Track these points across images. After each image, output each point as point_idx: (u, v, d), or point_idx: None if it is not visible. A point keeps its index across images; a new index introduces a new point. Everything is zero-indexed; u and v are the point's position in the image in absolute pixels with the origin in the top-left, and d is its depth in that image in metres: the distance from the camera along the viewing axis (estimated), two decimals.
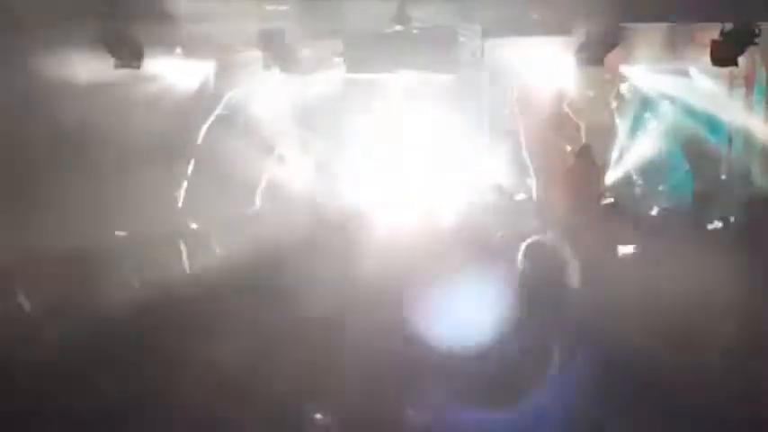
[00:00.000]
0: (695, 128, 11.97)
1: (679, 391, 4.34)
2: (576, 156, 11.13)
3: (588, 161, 10.98)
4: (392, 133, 12.31)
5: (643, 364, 4.43)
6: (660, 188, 10.90)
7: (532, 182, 10.80)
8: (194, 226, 6.73)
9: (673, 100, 11.90)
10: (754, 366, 4.46)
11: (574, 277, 5.24)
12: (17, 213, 7.72)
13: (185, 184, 11.90)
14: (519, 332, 4.55)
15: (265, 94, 12.17)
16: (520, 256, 5.21)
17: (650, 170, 12.06)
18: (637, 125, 12.19)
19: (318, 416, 3.80)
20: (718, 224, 6.42)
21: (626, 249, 6.22)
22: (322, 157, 12.06)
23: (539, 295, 4.93)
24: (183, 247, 6.09)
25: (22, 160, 8.49)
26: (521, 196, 8.16)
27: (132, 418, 4.20)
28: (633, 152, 11.99)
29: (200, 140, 12.18)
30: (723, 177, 11.92)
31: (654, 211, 8.35)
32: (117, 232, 5.92)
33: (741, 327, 4.69)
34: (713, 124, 11.89)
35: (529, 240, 5.39)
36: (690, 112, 11.83)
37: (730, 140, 11.99)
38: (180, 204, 11.52)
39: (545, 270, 5.10)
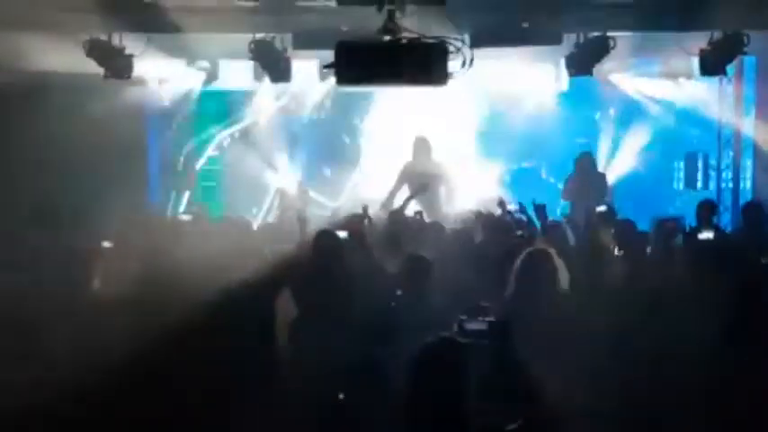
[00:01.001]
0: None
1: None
2: (576, 162, 11.06)
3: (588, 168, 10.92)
4: (385, 143, 12.38)
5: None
6: None
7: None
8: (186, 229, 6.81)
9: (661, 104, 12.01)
10: None
11: (565, 284, 5.27)
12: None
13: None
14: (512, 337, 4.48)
15: (257, 104, 12.25)
16: (516, 264, 5.22)
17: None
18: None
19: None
20: (709, 234, 6.42)
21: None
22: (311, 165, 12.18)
23: (536, 302, 4.95)
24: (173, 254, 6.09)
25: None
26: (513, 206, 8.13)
27: None
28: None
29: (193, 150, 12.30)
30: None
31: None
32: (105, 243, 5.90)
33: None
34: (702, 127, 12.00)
35: (529, 249, 5.41)
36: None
37: (719, 141, 12.09)
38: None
39: (542, 278, 5.13)
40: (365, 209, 7.68)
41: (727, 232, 8.80)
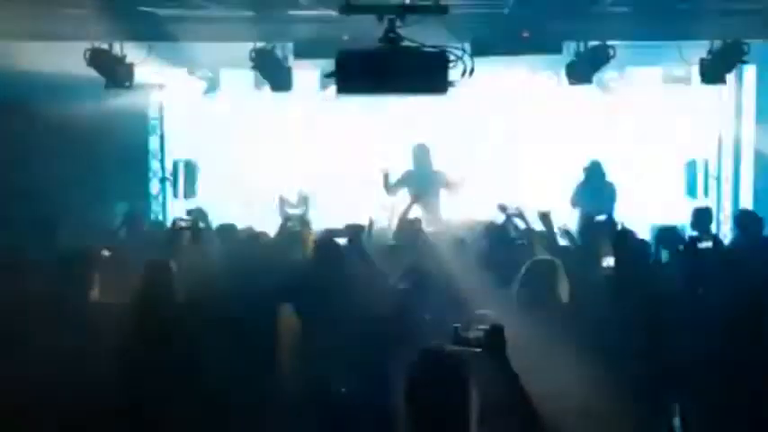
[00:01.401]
0: None
1: None
2: (585, 171, 11.02)
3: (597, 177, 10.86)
4: (389, 153, 12.39)
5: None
6: None
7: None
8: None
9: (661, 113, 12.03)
10: None
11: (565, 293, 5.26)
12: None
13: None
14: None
15: (254, 111, 12.27)
16: (520, 273, 5.23)
17: None
18: None
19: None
20: (707, 243, 6.42)
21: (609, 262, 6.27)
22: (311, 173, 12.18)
23: (538, 311, 4.94)
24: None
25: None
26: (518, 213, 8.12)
27: None
28: None
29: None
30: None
31: None
32: (104, 251, 5.91)
33: None
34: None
35: (534, 258, 5.42)
36: None
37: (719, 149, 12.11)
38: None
39: (545, 287, 5.13)
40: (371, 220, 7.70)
41: (725, 242, 8.80)
